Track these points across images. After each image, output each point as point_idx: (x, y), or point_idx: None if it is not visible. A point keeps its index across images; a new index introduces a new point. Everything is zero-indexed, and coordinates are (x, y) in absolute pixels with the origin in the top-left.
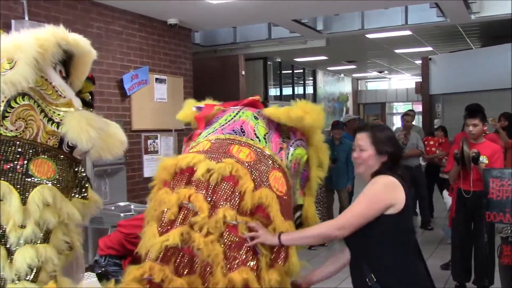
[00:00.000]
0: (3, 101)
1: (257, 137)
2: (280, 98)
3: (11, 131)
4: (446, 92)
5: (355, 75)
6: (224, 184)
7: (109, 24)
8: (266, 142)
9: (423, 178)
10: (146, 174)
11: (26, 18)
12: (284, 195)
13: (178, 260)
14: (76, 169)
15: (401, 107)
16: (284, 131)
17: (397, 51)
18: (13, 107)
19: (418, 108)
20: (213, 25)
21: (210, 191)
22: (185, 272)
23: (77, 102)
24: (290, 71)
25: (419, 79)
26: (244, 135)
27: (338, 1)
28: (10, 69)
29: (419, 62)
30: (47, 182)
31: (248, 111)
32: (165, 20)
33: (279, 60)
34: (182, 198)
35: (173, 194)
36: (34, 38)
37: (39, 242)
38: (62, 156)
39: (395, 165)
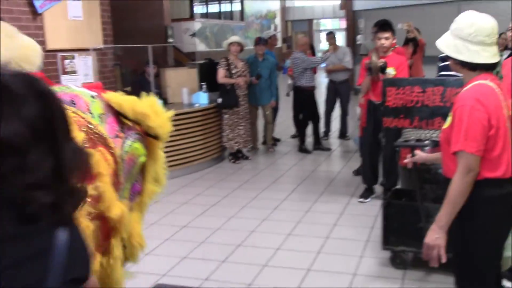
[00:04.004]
0: None
1: (91, 113)
2: (207, 16)
3: None
4: (368, 8)
5: None
6: None
7: None
8: (101, 121)
9: (347, 93)
10: None
11: None
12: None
13: None
14: None
15: (329, 24)
16: (124, 123)
17: None
18: None
19: (344, 24)
20: None
21: None
22: None
23: None
24: None
25: None
26: (74, 106)
27: None
28: None
29: None
30: None
31: (83, 88)
32: None
33: None
34: None
35: None
36: None
37: None
38: None
39: None
